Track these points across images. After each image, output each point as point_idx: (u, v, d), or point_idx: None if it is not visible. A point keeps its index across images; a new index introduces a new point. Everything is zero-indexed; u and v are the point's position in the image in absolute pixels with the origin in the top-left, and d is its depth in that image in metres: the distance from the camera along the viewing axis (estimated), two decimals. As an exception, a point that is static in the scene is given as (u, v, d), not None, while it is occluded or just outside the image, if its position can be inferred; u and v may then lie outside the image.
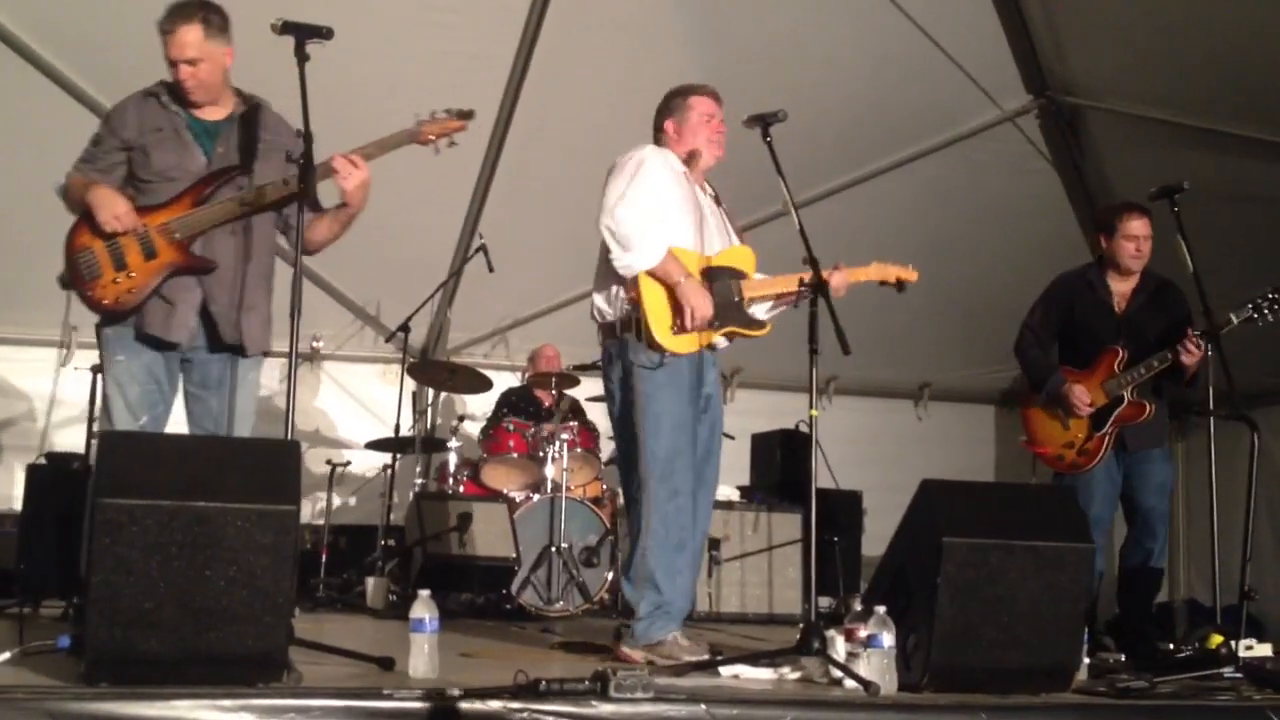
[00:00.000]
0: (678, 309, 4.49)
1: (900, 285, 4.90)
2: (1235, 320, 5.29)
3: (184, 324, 4.27)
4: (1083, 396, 5.61)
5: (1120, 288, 5.78)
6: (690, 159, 4.75)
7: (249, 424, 4.40)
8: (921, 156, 7.62)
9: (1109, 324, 5.74)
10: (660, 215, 4.55)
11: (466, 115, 4.45)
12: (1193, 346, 5.34)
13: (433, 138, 4.44)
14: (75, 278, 4.24)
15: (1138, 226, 5.65)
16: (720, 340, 4.66)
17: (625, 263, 4.50)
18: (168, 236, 4.21)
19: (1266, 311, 5.30)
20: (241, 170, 4.32)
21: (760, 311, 4.79)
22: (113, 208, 4.17)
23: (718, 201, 4.88)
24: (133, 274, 4.21)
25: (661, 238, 4.53)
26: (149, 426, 4.25)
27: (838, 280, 4.64)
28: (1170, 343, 5.43)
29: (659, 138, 4.81)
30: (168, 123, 4.31)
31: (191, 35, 4.20)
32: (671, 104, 4.82)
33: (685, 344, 4.53)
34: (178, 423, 4.45)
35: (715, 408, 4.75)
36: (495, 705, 3.11)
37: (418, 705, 3.07)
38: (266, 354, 4.47)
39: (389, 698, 3.08)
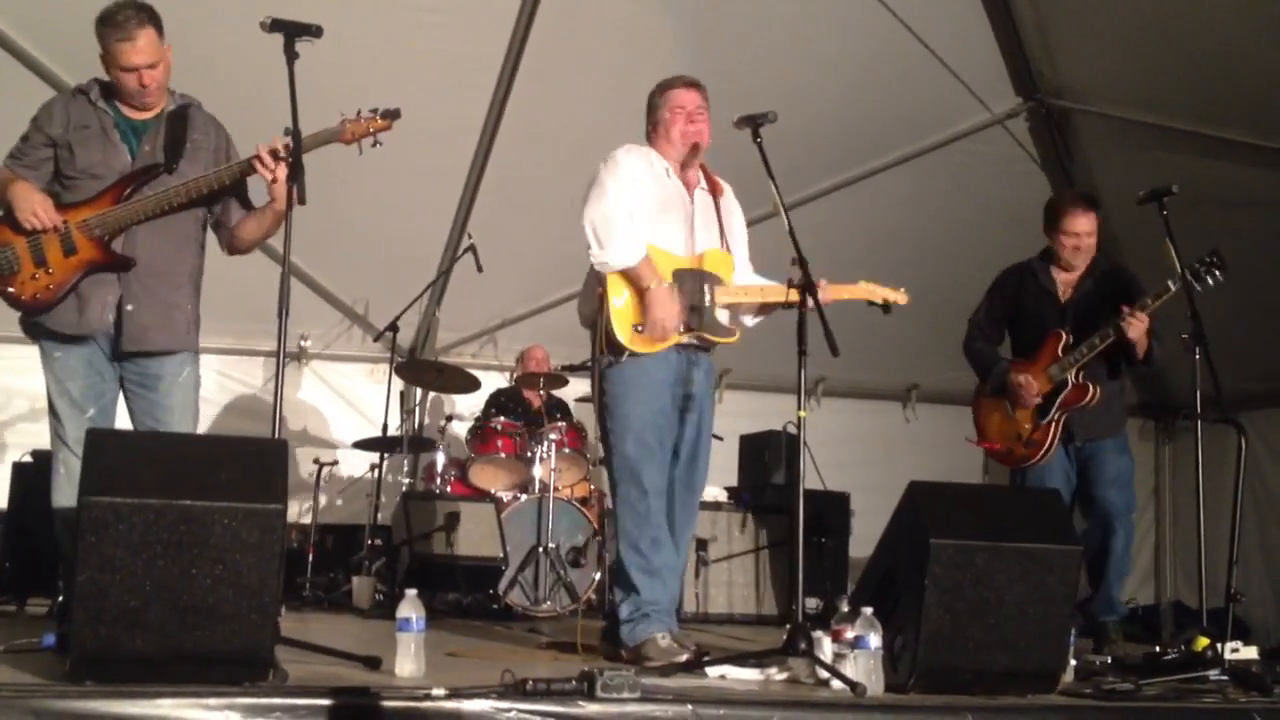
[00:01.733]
0: (644, 311, 4.49)
1: (886, 307, 4.83)
2: (1173, 288, 5.13)
3: (98, 320, 4.25)
4: (1029, 385, 5.49)
5: (1065, 276, 5.68)
6: (672, 154, 4.72)
7: (190, 421, 4.38)
8: (911, 159, 7.63)
9: (1054, 312, 5.62)
10: (631, 212, 4.54)
11: (392, 114, 4.42)
12: (1134, 319, 5.21)
13: (353, 138, 4.40)
14: None
15: (1079, 223, 5.53)
16: (691, 340, 4.63)
17: (601, 259, 4.51)
18: (87, 233, 4.21)
19: (1205, 275, 5.13)
20: (165, 169, 4.31)
21: (746, 319, 4.79)
22: (31, 204, 4.17)
23: (716, 196, 4.82)
24: (51, 270, 4.20)
25: (638, 237, 4.52)
26: (98, 419, 4.27)
27: (819, 298, 4.58)
28: (1110, 321, 5.29)
29: (649, 134, 4.81)
30: (95, 120, 4.31)
31: (148, 39, 4.21)
32: (650, 102, 4.82)
33: (647, 345, 4.52)
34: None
35: (702, 408, 4.73)
36: (482, 705, 3.11)
37: (404, 705, 3.07)
38: (199, 352, 4.47)
39: (375, 697, 3.07)
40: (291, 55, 4.00)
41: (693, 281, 4.61)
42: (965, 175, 7.68)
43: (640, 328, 4.50)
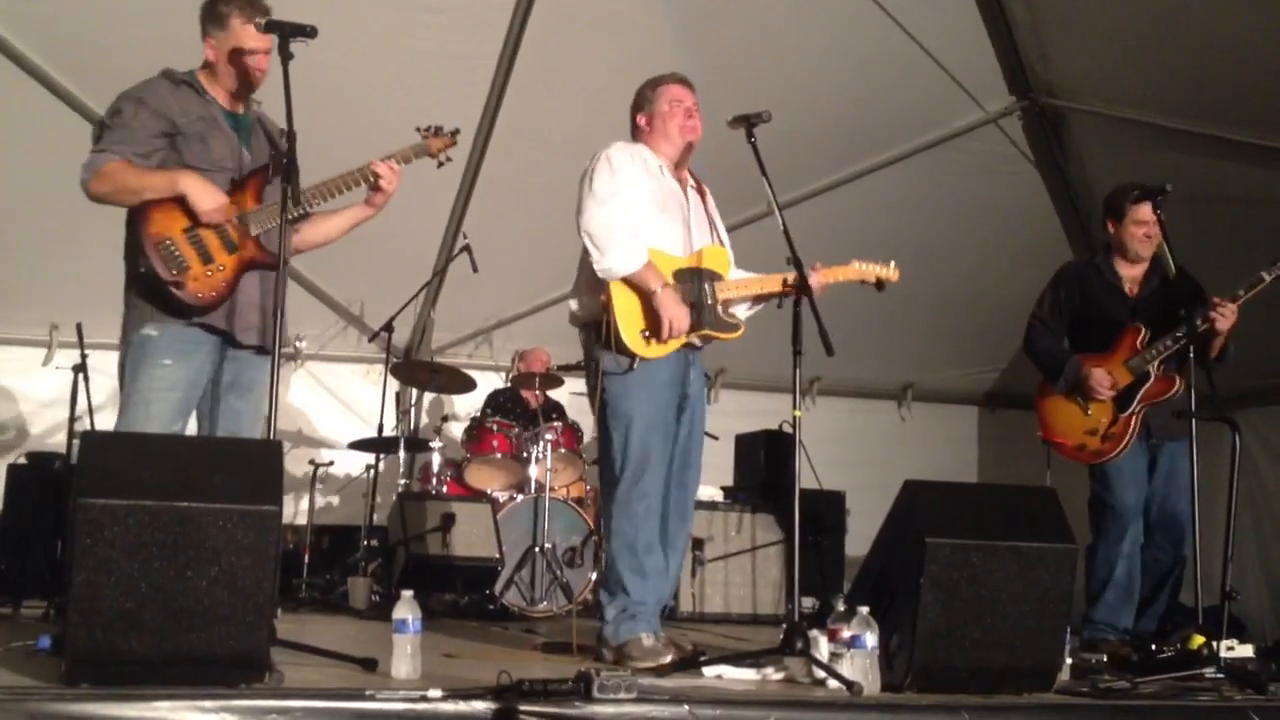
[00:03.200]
0: (650, 316, 4.47)
1: (880, 285, 4.84)
2: (1267, 279, 5.07)
3: (249, 323, 4.17)
4: (1103, 379, 5.37)
5: (1130, 273, 5.57)
6: (668, 151, 4.70)
7: (273, 426, 4.24)
8: (905, 158, 7.63)
9: (1122, 308, 5.52)
10: (631, 210, 4.50)
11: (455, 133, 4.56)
12: (1225, 310, 5.11)
13: (438, 151, 4.51)
14: (162, 269, 4.01)
15: (1146, 211, 5.36)
16: (695, 340, 4.61)
17: (605, 266, 4.46)
18: (243, 230, 4.12)
19: None
20: (290, 167, 4.25)
21: (739, 311, 4.76)
22: (216, 198, 4.06)
23: (702, 195, 4.83)
24: (222, 266, 4.08)
25: (639, 241, 4.49)
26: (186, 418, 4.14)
27: (814, 282, 4.57)
28: (1197, 311, 5.15)
29: (634, 133, 4.79)
30: (207, 112, 4.22)
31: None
32: (640, 97, 4.79)
33: (656, 349, 4.50)
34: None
35: (696, 407, 4.72)
36: (478, 706, 3.11)
37: (400, 706, 3.06)
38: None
39: (371, 698, 3.07)
40: (286, 55, 3.98)
41: (693, 281, 4.58)
42: (959, 174, 7.68)
43: (648, 334, 4.47)
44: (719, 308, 4.62)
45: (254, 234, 4.15)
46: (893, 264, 4.84)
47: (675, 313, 4.45)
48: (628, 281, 4.48)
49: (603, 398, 4.55)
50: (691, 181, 4.82)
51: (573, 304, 4.72)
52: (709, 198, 4.87)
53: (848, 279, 4.80)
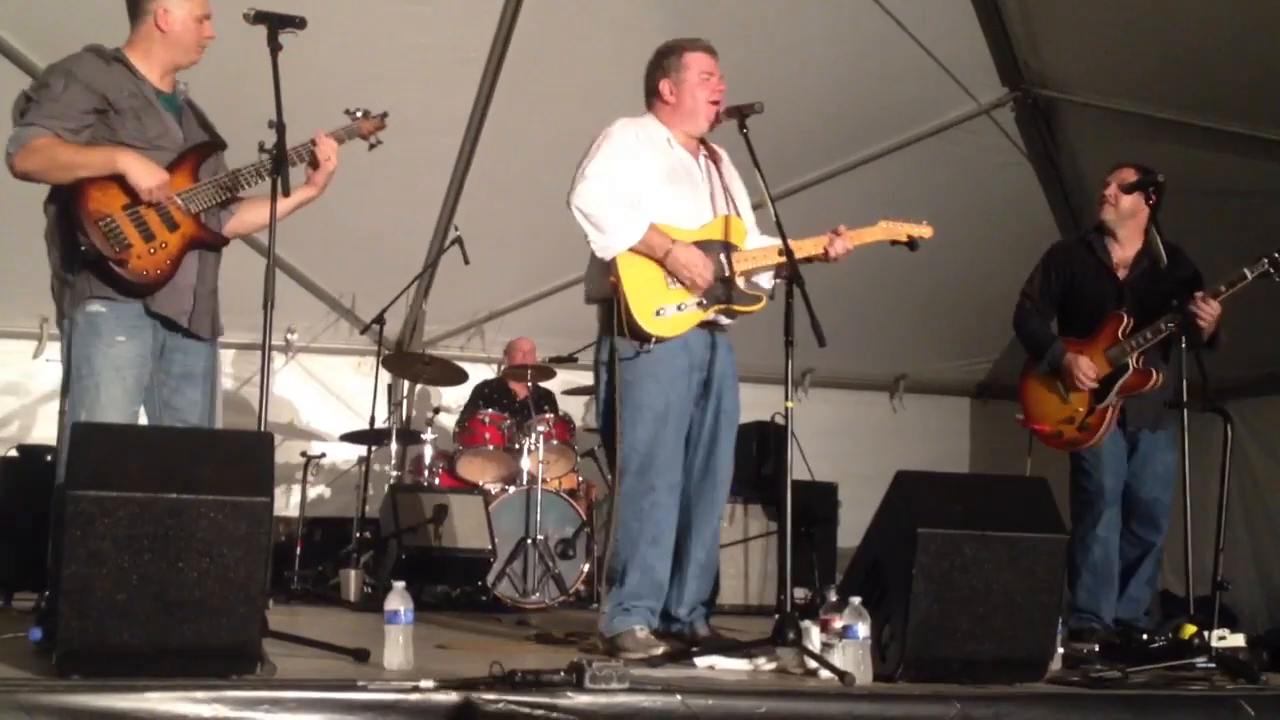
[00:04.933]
0: (667, 284, 4.34)
1: (912, 244, 4.67)
2: (1250, 276, 5.04)
3: (184, 304, 4.06)
4: (1087, 368, 5.31)
5: (1122, 254, 5.49)
6: (686, 124, 4.55)
7: (219, 414, 4.20)
8: (897, 149, 7.63)
9: (1111, 291, 5.44)
10: (630, 187, 4.37)
11: (383, 115, 4.48)
12: (1206, 307, 5.05)
13: (369, 133, 4.45)
14: (104, 246, 3.87)
15: (1110, 182, 5.37)
16: (722, 319, 4.49)
17: (602, 244, 4.33)
18: (182, 208, 4.03)
19: None
20: (219, 146, 4.20)
21: (762, 281, 4.60)
22: (158, 175, 3.93)
23: (717, 163, 4.64)
24: (164, 244, 3.98)
25: (637, 213, 4.35)
26: (134, 419, 4.01)
27: (839, 247, 4.47)
28: (1180, 303, 5.09)
29: (652, 101, 4.60)
30: (140, 89, 4.07)
31: None
32: (665, 62, 4.55)
33: (671, 326, 4.36)
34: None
35: (721, 393, 4.52)
36: (470, 696, 3.11)
37: (392, 697, 3.06)
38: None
39: (363, 689, 3.07)
40: (275, 47, 3.97)
41: (708, 254, 4.42)
42: (951, 166, 7.68)
43: (662, 311, 4.34)
44: (739, 280, 4.48)
45: (194, 212, 4.05)
46: (925, 222, 4.68)
47: (691, 260, 4.32)
48: (636, 254, 4.34)
49: (613, 384, 4.40)
50: (704, 151, 4.65)
51: (586, 285, 4.59)
52: (725, 165, 4.67)
53: (875, 240, 4.64)
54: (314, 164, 4.26)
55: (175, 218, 4.02)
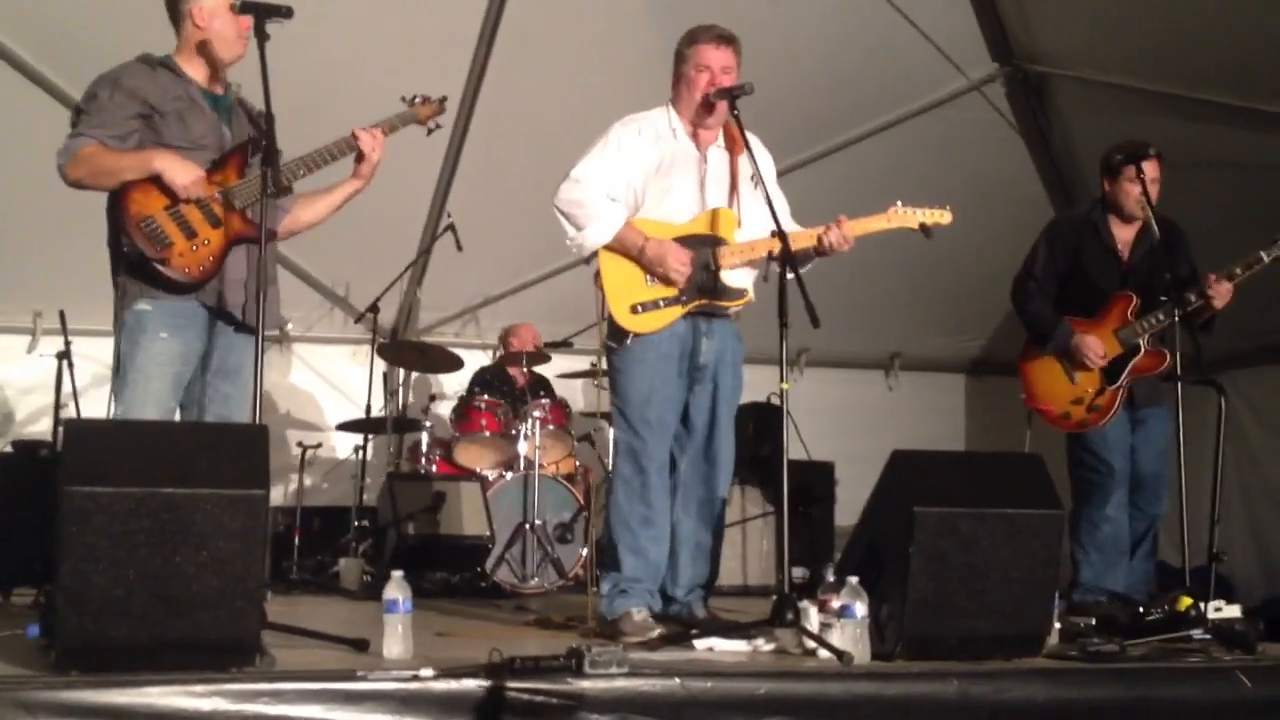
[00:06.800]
0: (645, 280, 4.41)
1: (926, 232, 4.59)
2: (1266, 259, 5.04)
3: (236, 299, 4.15)
4: (1097, 348, 5.32)
5: (1124, 234, 5.49)
6: (688, 115, 4.56)
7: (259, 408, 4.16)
8: (888, 127, 7.60)
9: (1115, 271, 5.45)
10: (615, 186, 4.44)
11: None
12: (1219, 288, 5.06)
13: (427, 118, 4.55)
14: (146, 247, 3.99)
15: (1148, 169, 5.28)
16: (694, 307, 4.50)
17: (577, 242, 4.44)
18: (227, 205, 4.11)
19: None
20: (271, 145, 4.22)
21: (742, 278, 4.60)
22: (191, 173, 4.02)
23: (733, 153, 4.60)
24: (207, 241, 4.07)
25: (614, 210, 4.42)
26: (171, 415, 4.10)
27: (834, 237, 4.44)
28: (1191, 285, 5.09)
29: (673, 88, 4.63)
30: (185, 91, 4.19)
31: None
32: (678, 53, 4.60)
33: (648, 323, 4.44)
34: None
35: (717, 378, 4.57)
36: (470, 684, 3.12)
37: (392, 686, 3.07)
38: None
39: (363, 679, 3.08)
40: (263, 37, 3.95)
41: (692, 248, 4.46)
42: (943, 142, 7.65)
43: (639, 308, 4.42)
44: (722, 274, 4.49)
45: (239, 208, 4.14)
46: (947, 208, 4.59)
47: (663, 256, 4.36)
48: (613, 251, 4.43)
49: (609, 372, 4.58)
50: (721, 141, 4.64)
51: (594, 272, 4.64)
52: (742, 155, 4.53)
53: (884, 229, 4.57)
54: (359, 155, 4.34)
55: (218, 214, 4.11)
